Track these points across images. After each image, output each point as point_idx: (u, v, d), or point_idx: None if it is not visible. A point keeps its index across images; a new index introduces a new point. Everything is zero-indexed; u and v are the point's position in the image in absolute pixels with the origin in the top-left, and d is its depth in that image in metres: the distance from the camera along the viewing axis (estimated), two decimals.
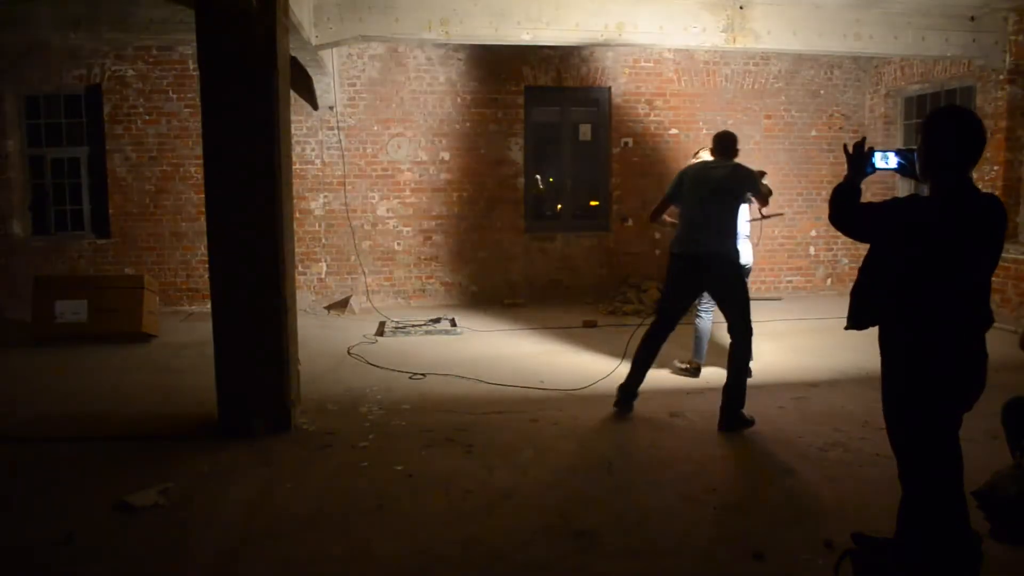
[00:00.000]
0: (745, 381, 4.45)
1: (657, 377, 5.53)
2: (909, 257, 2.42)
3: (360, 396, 5.14)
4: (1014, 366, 5.23)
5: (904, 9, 7.02)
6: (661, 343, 4.71)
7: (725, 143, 4.71)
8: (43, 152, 8.73)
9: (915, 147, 2.58)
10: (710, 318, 5.49)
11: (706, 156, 5.30)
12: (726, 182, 4.55)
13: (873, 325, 2.58)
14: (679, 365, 5.63)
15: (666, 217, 5.04)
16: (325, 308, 8.64)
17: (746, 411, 4.43)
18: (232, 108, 4.24)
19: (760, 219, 5.66)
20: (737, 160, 4.73)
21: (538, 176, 9.53)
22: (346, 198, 8.88)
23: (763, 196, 4.88)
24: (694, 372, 5.53)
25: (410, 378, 5.62)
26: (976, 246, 2.42)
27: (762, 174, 4.97)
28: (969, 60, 7.68)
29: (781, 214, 5.10)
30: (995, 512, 2.98)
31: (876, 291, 2.53)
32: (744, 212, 5.29)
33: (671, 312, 4.67)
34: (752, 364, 5.36)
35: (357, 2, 6.48)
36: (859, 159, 2.65)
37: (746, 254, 5.40)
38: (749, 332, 4.50)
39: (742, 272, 4.77)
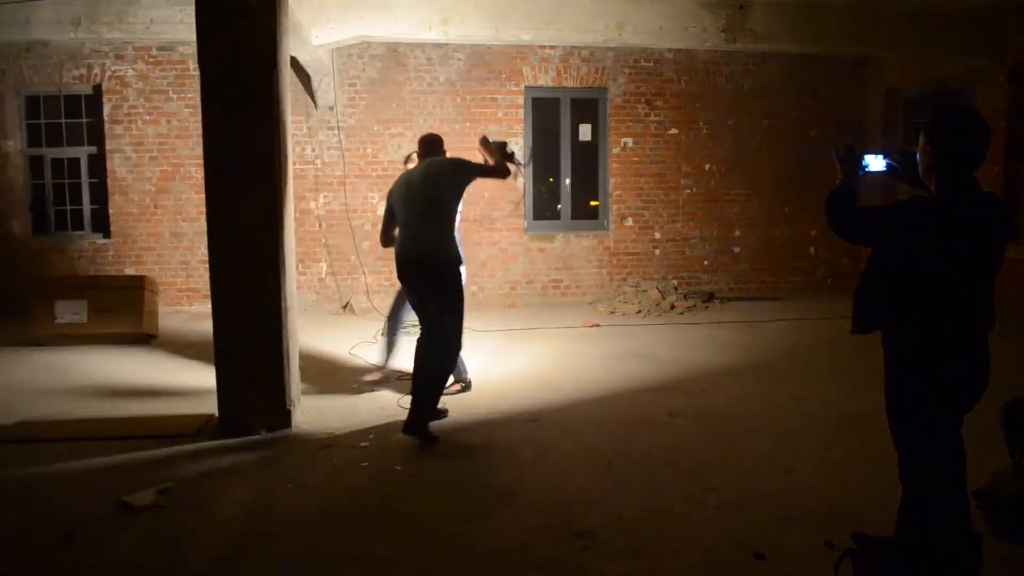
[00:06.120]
0: (437, 388, 4.29)
1: (657, 378, 5.54)
2: (912, 259, 2.42)
3: (360, 396, 5.14)
4: (1014, 366, 5.23)
5: (904, 9, 7.02)
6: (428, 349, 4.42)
7: (426, 145, 4.63)
8: (43, 152, 8.72)
9: (906, 148, 2.57)
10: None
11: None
12: (422, 183, 4.42)
13: (879, 328, 2.57)
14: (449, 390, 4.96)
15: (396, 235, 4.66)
16: (325, 308, 8.63)
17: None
18: (232, 108, 4.24)
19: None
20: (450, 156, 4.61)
21: (551, 179, 9.54)
22: (346, 198, 8.88)
23: (488, 171, 4.58)
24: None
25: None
26: (980, 246, 2.42)
27: (502, 144, 4.64)
28: (969, 60, 7.68)
29: (519, 164, 4.81)
30: (995, 512, 2.98)
31: (880, 293, 2.52)
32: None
33: (423, 318, 4.47)
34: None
35: (357, 2, 6.48)
36: (849, 161, 2.63)
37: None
38: (456, 342, 4.35)
39: (458, 274, 4.41)
